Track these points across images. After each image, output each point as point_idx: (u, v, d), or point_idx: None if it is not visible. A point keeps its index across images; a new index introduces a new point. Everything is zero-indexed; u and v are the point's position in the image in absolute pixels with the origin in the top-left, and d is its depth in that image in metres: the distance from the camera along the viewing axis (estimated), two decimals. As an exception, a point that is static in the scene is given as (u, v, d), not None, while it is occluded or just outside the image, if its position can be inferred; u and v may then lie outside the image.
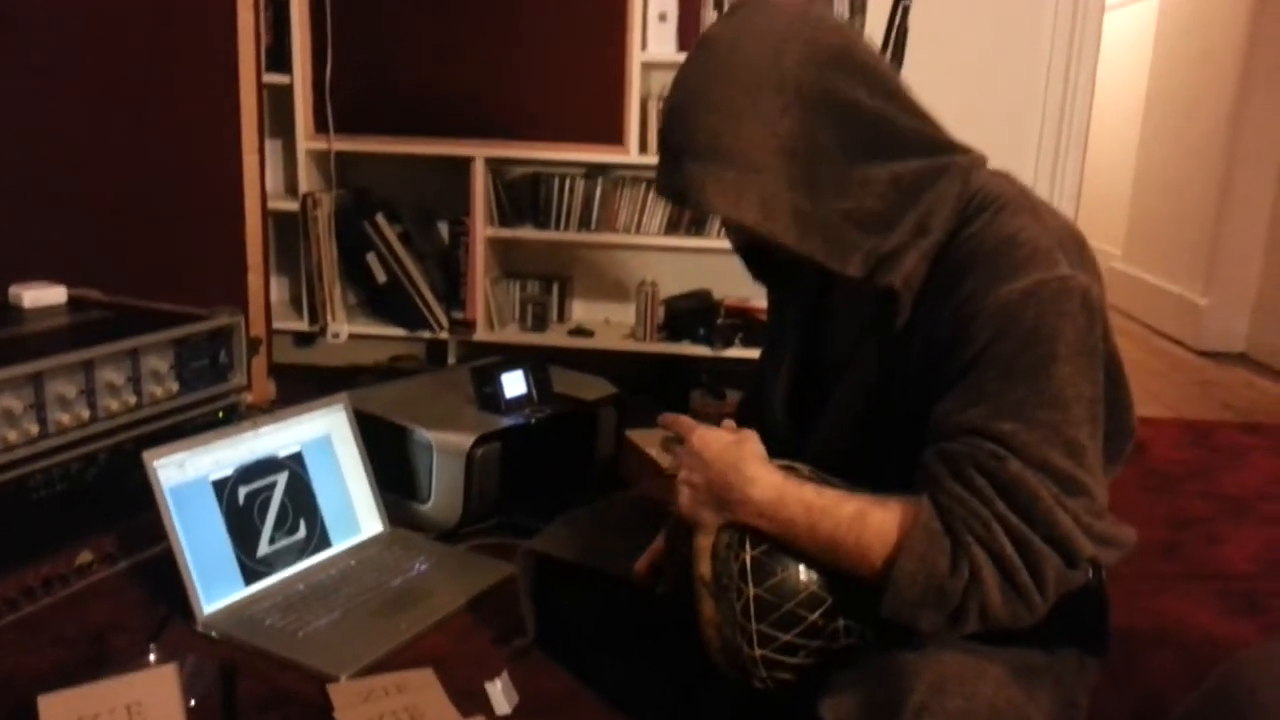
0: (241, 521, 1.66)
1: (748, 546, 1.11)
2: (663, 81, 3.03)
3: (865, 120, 1.12)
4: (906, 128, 1.14)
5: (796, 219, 1.11)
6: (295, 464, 1.76)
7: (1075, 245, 1.11)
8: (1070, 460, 1.03)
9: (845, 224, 1.11)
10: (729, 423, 1.24)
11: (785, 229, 1.11)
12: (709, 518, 1.16)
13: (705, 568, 1.13)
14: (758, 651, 1.11)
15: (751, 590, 1.10)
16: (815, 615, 1.11)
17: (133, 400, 1.80)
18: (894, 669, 1.05)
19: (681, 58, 2.82)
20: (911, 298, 1.13)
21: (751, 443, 1.17)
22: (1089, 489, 1.04)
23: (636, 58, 2.90)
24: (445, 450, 1.88)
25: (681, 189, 1.14)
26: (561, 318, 3.25)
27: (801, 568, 1.11)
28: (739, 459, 1.14)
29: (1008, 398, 1.04)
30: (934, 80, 2.23)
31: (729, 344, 3.02)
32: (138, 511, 1.69)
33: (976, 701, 1.02)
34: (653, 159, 2.94)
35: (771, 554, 1.11)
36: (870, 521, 1.07)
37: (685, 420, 1.23)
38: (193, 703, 1.34)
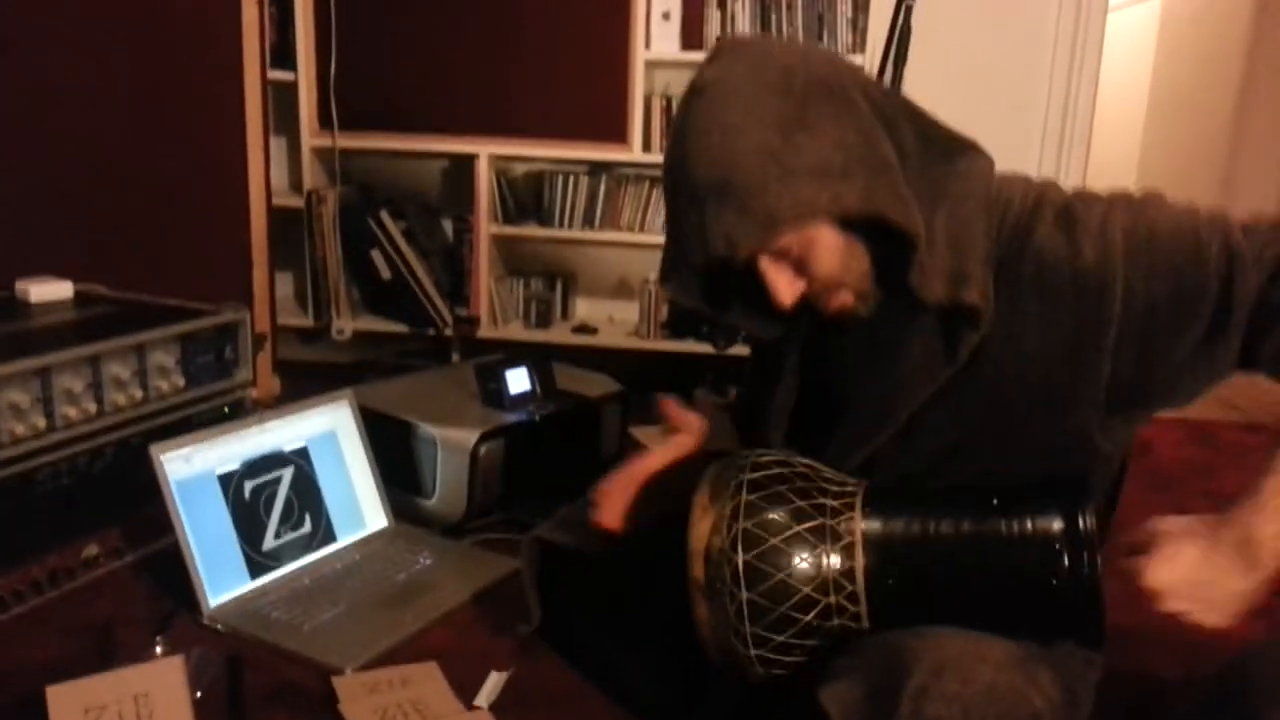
0: (247, 515, 1.67)
1: (739, 551, 1.10)
2: (666, 79, 3.03)
3: (911, 115, 1.13)
4: (933, 121, 1.15)
5: (906, 199, 1.07)
6: (301, 459, 1.77)
7: None
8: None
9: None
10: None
11: (905, 212, 1.06)
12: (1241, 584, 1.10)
13: (699, 570, 1.12)
14: (753, 652, 1.11)
15: (744, 595, 1.09)
16: (809, 617, 1.10)
17: (139, 395, 1.80)
18: (893, 654, 1.05)
19: (685, 56, 2.89)
20: (989, 314, 1.10)
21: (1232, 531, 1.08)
22: None
23: (640, 56, 2.91)
24: (449, 446, 1.89)
25: (773, 210, 1.03)
26: (565, 315, 3.26)
27: (794, 571, 1.09)
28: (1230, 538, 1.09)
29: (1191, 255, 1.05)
30: (936, 83, 2.23)
31: (732, 342, 3.02)
32: (144, 505, 1.70)
33: (975, 684, 1.01)
34: (655, 156, 2.95)
35: (764, 558, 1.10)
36: None
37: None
38: (199, 694, 1.34)
